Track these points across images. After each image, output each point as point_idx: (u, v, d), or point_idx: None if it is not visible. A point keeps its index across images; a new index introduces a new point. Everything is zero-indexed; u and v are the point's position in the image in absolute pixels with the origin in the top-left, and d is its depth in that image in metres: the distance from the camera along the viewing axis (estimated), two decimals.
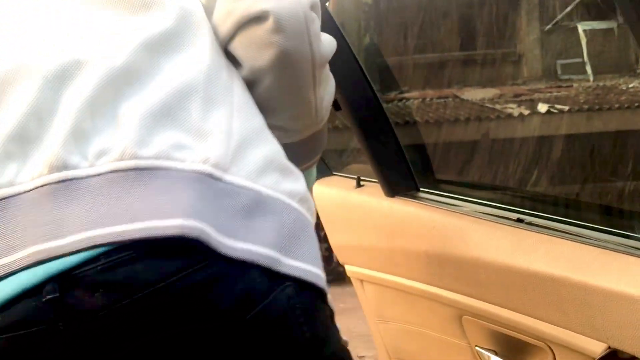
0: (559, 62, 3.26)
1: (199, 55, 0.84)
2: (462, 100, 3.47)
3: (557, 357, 1.30)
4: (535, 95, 3.18)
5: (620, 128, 2.76)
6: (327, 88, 0.97)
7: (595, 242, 1.24)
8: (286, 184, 0.83)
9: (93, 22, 0.85)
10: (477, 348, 1.49)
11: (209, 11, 0.90)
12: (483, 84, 3.55)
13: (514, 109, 3.15)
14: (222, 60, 0.88)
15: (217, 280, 0.73)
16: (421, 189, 1.64)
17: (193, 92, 0.81)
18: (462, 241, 1.44)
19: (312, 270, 0.80)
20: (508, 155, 2.32)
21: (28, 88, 0.79)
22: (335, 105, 1.65)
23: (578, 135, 2.60)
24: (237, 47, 0.88)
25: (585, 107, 2.92)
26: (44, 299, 0.72)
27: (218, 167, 0.77)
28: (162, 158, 0.76)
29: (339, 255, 1.82)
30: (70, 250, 0.72)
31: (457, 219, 1.49)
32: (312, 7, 0.89)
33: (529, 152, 2.28)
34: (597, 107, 2.88)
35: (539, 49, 3.47)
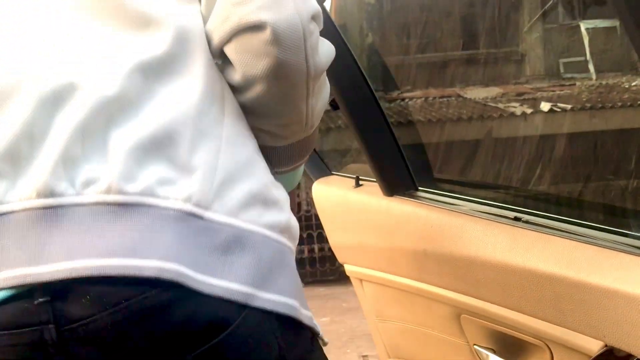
0: (562, 60, 3.26)
1: (193, 83, 0.85)
2: (465, 99, 3.47)
3: (554, 355, 1.30)
4: (538, 94, 3.17)
5: (622, 126, 2.75)
6: (321, 96, 0.96)
7: (592, 241, 1.24)
8: (268, 216, 0.85)
9: (91, 38, 0.85)
10: (475, 346, 1.49)
11: (206, 16, 0.90)
12: (486, 83, 3.54)
13: (517, 108, 3.15)
14: (216, 85, 0.88)
15: (183, 303, 0.77)
16: (420, 188, 1.64)
17: (183, 125, 0.82)
18: (460, 240, 1.44)
19: (286, 302, 0.83)
20: (511, 154, 2.32)
21: (22, 107, 0.81)
22: (333, 105, 1.65)
23: (581, 133, 2.59)
24: (232, 51, 0.87)
25: (588, 105, 2.91)
26: (35, 302, 0.76)
27: (200, 205, 0.80)
28: (146, 195, 0.78)
29: (338, 254, 1.82)
30: (51, 279, 0.75)
31: (455, 217, 1.49)
32: (314, 17, 0.88)
33: (532, 150, 2.28)
34: (599, 105, 2.88)
35: (542, 47, 3.46)
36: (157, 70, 0.84)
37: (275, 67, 0.85)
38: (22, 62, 0.84)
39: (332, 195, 1.82)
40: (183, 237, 0.78)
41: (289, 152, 0.99)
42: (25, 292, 0.77)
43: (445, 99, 3.47)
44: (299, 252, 9.74)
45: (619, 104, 2.82)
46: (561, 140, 2.39)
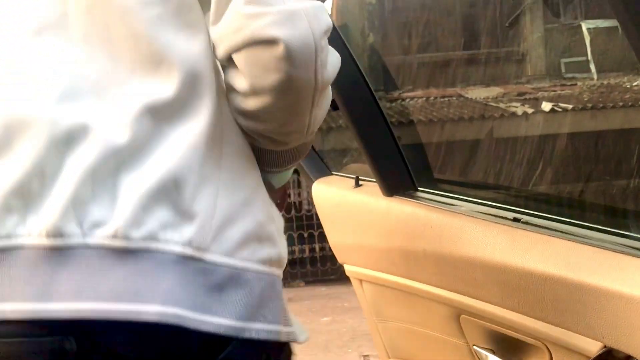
0: (563, 60, 3.26)
1: (199, 127, 0.87)
2: (466, 99, 3.47)
3: (553, 356, 1.30)
4: (539, 94, 3.17)
5: (623, 127, 2.75)
6: (324, 105, 0.96)
7: (592, 242, 1.24)
8: (262, 252, 0.90)
9: (101, 74, 0.87)
10: (474, 347, 1.49)
11: (214, 20, 0.89)
12: (487, 83, 3.54)
13: (518, 108, 3.15)
14: (217, 128, 0.90)
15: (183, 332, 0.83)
16: (419, 188, 1.64)
17: (189, 171, 0.85)
18: (460, 240, 1.44)
19: (272, 329, 0.90)
20: (512, 154, 2.32)
21: (34, 145, 0.84)
22: (333, 105, 1.65)
23: (582, 133, 2.59)
24: (242, 62, 0.87)
25: (589, 105, 2.91)
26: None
27: (199, 248, 0.85)
28: (149, 239, 0.83)
29: (338, 254, 1.82)
30: (57, 317, 0.80)
31: (454, 218, 1.49)
32: (326, 33, 0.88)
33: (533, 150, 2.27)
34: (601, 105, 2.87)
35: (543, 47, 3.46)
36: (166, 114, 0.86)
37: (284, 82, 0.86)
38: (33, 95, 0.86)
39: (332, 195, 1.82)
40: (182, 278, 0.83)
41: (286, 156, 1.02)
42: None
43: (446, 99, 3.46)
44: (300, 251, 9.74)
45: (620, 104, 2.81)
46: (562, 141, 2.39)
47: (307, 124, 0.94)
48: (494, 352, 1.45)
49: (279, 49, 0.83)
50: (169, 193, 0.84)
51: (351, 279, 1.80)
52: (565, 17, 3.16)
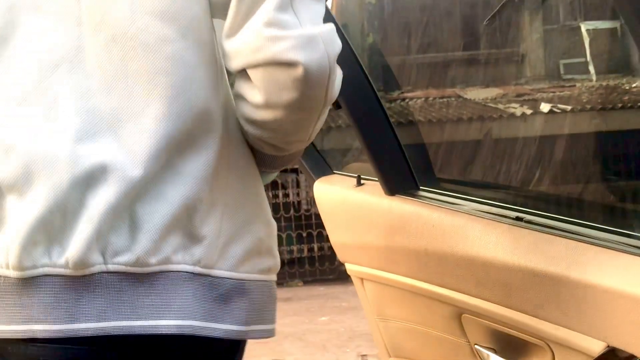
0: (562, 61, 3.26)
1: (209, 159, 0.95)
2: (465, 99, 3.47)
3: (556, 356, 1.30)
4: (538, 95, 3.17)
5: (622, 128, 2.76)
6: (325, 117, 1.02)
7: (594, 241, 1.24)
8: (262, 264, 1.01)
9: (119, 111, 0.93)
10: (476, 346, 1.49)
11: (229, 33, 0.93)
12: (486, 84, 3.54)
13: (517, 109, 3.15)
14: (224, 159, 0.97)
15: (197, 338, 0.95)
16: (421, 187, 1.64)
17: (199, 201, 0.94)
18: (462, 239, 1.44)
19: (271, 328, 1.02)
20: (511, 155, 2.32)
21: (55, 185, 0.91)
22: (336, 104, 1.65)
23: (581, 135, 2.59)
24: (258, 78, 0.92)
25: (588, 107, 2.91)
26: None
27: (207, 266, 0.95)
28: (164, 263, 0.93)
29: (339, 253, 1.82)
30: (84, 335, 0.91)
31: (456, 217, 1.49)
32: (337, 55, 0.93)
33: (532, 151, 2.28)
34: (599, 107, 2.88)
35: (542, 48, 3.46)
36: (178, 148, 0.93)
37: (299, 100, 0.91)
38: (51, 131, 0.92)
39: (334, 194, 1.82)
40: (193, 293, 0.94)
41: (282, 160, 1.08)
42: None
43: (445, 100, 3.47)
44: (299, 251, 9.74)
45: (620, 105, 2.82)
46: (561, 141, 2.39)
47: (310, 134, 1.01)
48: (495, 352, 1.45)
49: (298, 71, 0.88)
50: (182, 221, 0.93)
51: (352, 277, 1.80)
52: (564, 18, 3.17)
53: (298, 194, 10.12)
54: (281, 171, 1.21)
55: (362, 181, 1.77)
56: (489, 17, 2.81)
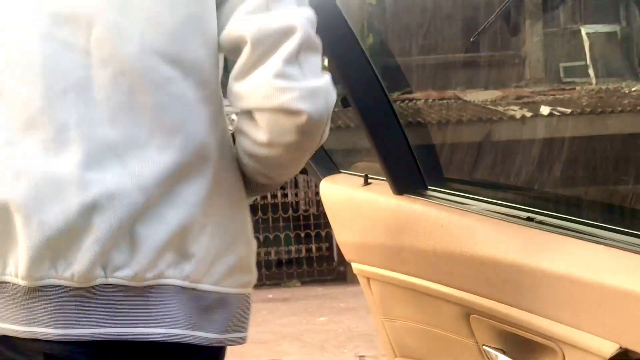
0: (562, 65, 3.27)
1: (204, 186, 1.04)
2: (465, 101, 3.47)
3: (566, 357, 1.29)
4: (538, 98, 3.18)
5: (622, 131, 2.76)
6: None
7: (607, 242, 1.24)
8: (242, 279, 1.11)
9: (124, 140, 1.01)
10: (484, 347, 1.49)
11: (239, 73, 1.02)
12: (485, 86, 3.55)
13: (517, 111, 3.15)
14: (215, 186, 1.06)
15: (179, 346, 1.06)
16: (430, 187, 1.64)
17: (192, 224, 1.03)
18: (471, 239, 1.44)
19: (245, 335, 1.12)
20: (510, 157, 2.32)
21: (64, 209, 0.99)
22: (344, 102, 1.65)
23: (580, 138, 2.60)
24: (264, 120, 1.02)
25: (588, 110, 2.92)
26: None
27: (194, 281, 1.05)
28: (158, 277, 1.03)
29: (346, 252, 1.81)
30: (87, 340, 1.02)
31: (466, 217, 1.48)
32: (334, 103, 1.05)
33: (531, 153, 2.28)
34: (599, 110, 2.88)
35: (542, 51, 3.47)
36: (177, 177, 1.02)
37: (299, 142, 1.03)
38: (59, 156, 1.00)
39: (340, 193, 1.81)
40: (180, 304, 1.04)
41: (269, 188, 1.22)
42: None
43: (444, 101, 3.47)
44: (297, 251, 9.75)
45: (619, 108, 2.82)
46: (560, 144, 2.40)
47: (300, 168, 1.15)
48: (504, 353, 1.44)
49: (302, 119, 1.00)
50: (176, 241, 1.03)
51: (358, 277, 1.79)
52: (564, 22, 3.17)
53: (296, 194, 10.11)
54: None
55: (369, 180, 1.76)
56: (475, 34, 2.81)
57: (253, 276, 1.14)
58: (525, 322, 1.34)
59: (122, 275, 1.01)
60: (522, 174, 2.15)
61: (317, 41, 1.03)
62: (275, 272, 9.71)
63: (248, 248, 1.12)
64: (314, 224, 9.70)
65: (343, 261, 9.77)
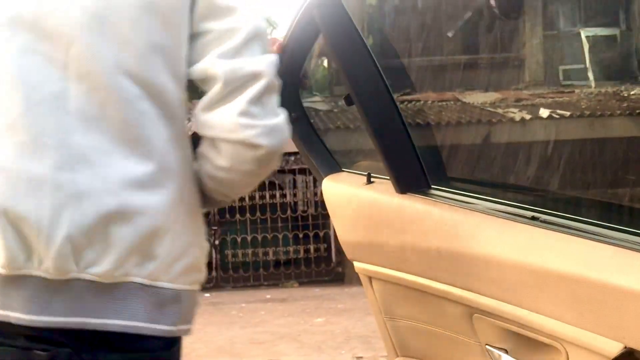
0: (561, 68, 3.27)
1: (168, 199, 1.17)
2: (464, 103, 3.47)
3: (570, 357, 1.29)
4: (537, 100, 3.18)
5: (621, 134, 2.77)
6: None
7: (612, 241, 1.24)
8: (195, 277, 1.24)
9: (94, 148, 1.13)
10: (487, 346, 1.49)
11: (210, 103, 1.16)
12: (485, 88, 3.55)
13: (516, 114, 3.16)
14: (177, 194, 1.19)
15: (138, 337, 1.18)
16: (433, 186, 1.63)
17: (158, 229, 1.16)
18: (475, 239, 1.43)
19: (190, 327, 1.25)
20: (510, 159, 2.32)
21: (39, 206, 1.11)
22: (348, 101, 1.64)
23: (579, 140, 2.60)
24: (227, 150, 1.17)
25: (587, 113, 2.92)
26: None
27: (155, 279, 1.17)
28: (124, 276, 1.15)
29: (348, 251, 1.81)
30: (56, 327, 1.14)
31: (469, 216, 1.48)
32: (287, 139, 1.20)
33: (531, 155, 2.28)
34: (598, 113, 2.89)
35: (541, 54, 3.47)
36: (142, 186, 1.15)
37: (256, 170, 1.19)
38: (35, 158, 1.12)
39: (343, 191, 1.81)
40: (140, 300, 1.17)
41: (224, 204, 1.35)
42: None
43: (443, 103, 3.47)
44: (294, 252, 9.73)
45: (618, 112, 2.83)
46: (559, 147, 2.40)
47: (252, 188, 1.31)
48: (507, 352, 1.44)
49: (261, 152, 1.15)
50: (144, 245, 1.15)
51: (360, 276, 1.79)
52: (564, 25, 3.18)
53: (295, 195, 10.11)
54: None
55: (372, 179, 1.76)
56: (453, 31, 2.82)
57: (202, 275, 1.27)
58: (529, 322, 1.34)
59: (93, 272, 1.14)
60: (522, 174, 2.15)
61: (277, 83, 1.19)
62: (273, 272, 9.71)
63: (201, 250, 1.26)
64: (312, 225, 9.69)
65: (341, 262, 9.78)
